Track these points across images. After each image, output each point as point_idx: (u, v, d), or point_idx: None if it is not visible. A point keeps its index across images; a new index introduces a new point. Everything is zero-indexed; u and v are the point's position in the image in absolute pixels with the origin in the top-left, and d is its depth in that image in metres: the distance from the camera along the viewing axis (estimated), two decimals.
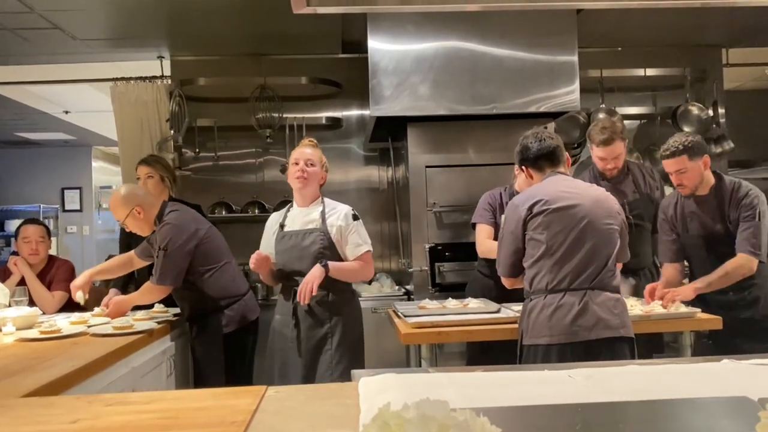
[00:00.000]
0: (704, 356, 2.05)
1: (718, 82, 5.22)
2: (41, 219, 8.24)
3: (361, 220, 3.00)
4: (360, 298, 3.04)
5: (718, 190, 3.05)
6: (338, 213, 2.96)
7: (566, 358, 2.28)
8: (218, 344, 3.09)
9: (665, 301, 2.85)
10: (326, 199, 3.03)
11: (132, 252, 3.40)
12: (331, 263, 2.84)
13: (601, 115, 4.93)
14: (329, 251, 2.90)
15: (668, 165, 3.01)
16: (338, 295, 2.92)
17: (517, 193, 3.08)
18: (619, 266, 2.56)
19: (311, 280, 2.77)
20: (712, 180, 3.06)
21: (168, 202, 3.38)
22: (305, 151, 2.98)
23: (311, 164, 2.95)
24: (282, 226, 2.99)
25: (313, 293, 2.77)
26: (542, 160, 2.58)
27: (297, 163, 2.95)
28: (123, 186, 3.35)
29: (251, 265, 2.87)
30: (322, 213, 2.95)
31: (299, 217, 2.98)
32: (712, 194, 3.05)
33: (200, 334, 3.15)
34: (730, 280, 2.94)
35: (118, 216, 3.17)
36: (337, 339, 2.87)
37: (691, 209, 3.09)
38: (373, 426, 0.88)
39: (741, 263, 2.92)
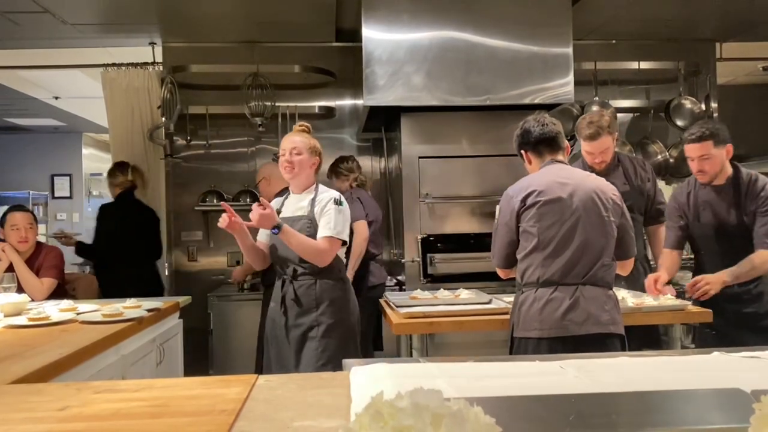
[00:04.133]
0: (695, 348, 2.05)
1: (712, 77, 5.24)
2: (30, 206, 8.19)
3: (344, 206, 2.88)
4: None
5: (735, 181, 3.01)
6: (324, 198, 2.91)
7: (556, 352, 2.26)
8: None
9: (698, 293, 2.84)
10: (321, 186, 2.98)
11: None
12: (287, 227, 2.76)
13: (594, 108, 4.93)
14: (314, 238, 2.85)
15: (692, 150, 2.97)
16: (325, 283, 2.87)
17: None
18: (629, 262, 2.57)
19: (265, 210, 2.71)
20: (730, 170, 3.02)
21: None
22: (293, 138, 2.94)
23: (297, 153, 2.89)
24: (278, 212, 2.93)
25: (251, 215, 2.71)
26: (542, 146, 2.55)
27: (284, 154, 2.92)
28: None
29: (221, 224, 2.75)
30: (312, 200, 2.91)
31: (291, 204, 2.98)
32: (729, 184, 3.01)
33: None
34: (757, 274, 2.93)
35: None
36: (324, 327, 2.82)
37: (705, 198, 3.06)
38: (366, 415, 0.87)
39: (766, 258, 2.89)
